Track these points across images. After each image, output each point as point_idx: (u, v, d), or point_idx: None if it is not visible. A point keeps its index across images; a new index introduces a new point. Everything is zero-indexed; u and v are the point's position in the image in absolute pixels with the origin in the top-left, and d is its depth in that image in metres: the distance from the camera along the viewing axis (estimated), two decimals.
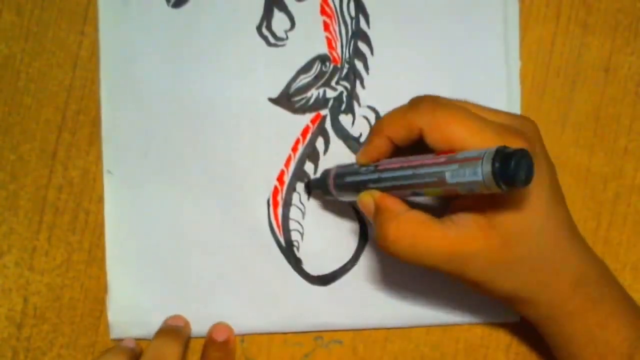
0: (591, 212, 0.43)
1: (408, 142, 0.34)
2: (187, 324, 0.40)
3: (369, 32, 0.41)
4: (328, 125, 0.41)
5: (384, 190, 0.35)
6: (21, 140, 0.41)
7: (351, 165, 0.38)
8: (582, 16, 0.43)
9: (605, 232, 0.43)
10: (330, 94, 0.41)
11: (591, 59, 0.43)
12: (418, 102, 0.34)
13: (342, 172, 0.38)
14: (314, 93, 0.41)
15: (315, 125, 0.41)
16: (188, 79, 0.41)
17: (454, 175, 0.30)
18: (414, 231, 0.33)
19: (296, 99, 0.41)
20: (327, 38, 0.41)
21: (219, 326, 0.40)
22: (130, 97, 0.41)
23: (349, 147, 0.41)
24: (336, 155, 0.41)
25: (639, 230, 0.43)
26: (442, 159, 0.31)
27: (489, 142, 0.31)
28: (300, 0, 0.41)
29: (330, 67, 0.41)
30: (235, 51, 0.41)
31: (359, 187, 0.36)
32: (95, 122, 0.41)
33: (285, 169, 0.41)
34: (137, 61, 0.41)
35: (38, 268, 0.41)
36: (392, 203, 0.34)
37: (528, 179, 0.29)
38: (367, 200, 0.35)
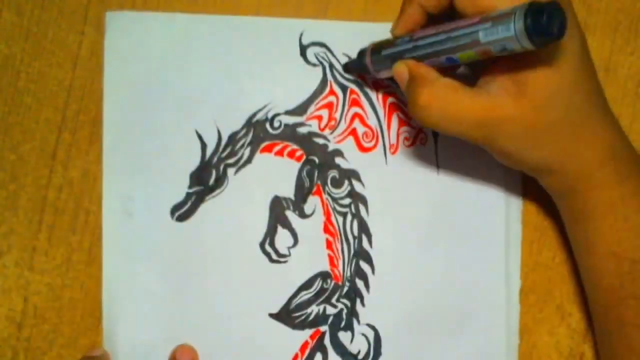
0: None
1: (440, 9, 0.35)
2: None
3: (371, 252, 0.42)
4: (327, 341, 0.42)
5: (419, 59, 0.35)
6: (21, 140, 0.41)
7: (387, 40, 0.38)
8: (582, 16, 0.43)
9: None
10: (331, 310, 0.42)
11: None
12: None
13: (378, 46, 0.38)
14: (314, 309, 0.41)
15: (314, 341, 0.41)
16: (189, 291, 0.41)
17: (488, 34, 0.31)
18: (444, 96, 0.33)
19: (296, 314, 0.41)
20: (330, 256, 0.42)
21: (183, 347, 0.40)
22: (131, 310, 0.40)
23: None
24: None
25: None
26: (476, 19, 0.32)
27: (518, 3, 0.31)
28: (304, 218, 0.41)
29: (331, 284, 0.42)
30: (238, 266, 0.41)
31: (395, 58, 0.36)
32: (96, 122, 0.41)
33: None
34: (137, 271, 0.40)
35: (38, 268, 0.41)
36: (425, 71, 0.34)
37: (560, 32, 0.30)
38: (401, 69, 0.35)
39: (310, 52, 0.41)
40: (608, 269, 0.36)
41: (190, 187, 0.41)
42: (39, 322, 0.41)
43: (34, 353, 0.41)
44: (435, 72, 0.35)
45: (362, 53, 0.39)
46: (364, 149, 0.42)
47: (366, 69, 0.39)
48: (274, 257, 0.41)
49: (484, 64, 0.35)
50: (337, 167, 0.42)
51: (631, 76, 0.43)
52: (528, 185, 0.42)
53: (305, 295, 0.41)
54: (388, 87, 0.42)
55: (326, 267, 0.41)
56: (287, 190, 0.41)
